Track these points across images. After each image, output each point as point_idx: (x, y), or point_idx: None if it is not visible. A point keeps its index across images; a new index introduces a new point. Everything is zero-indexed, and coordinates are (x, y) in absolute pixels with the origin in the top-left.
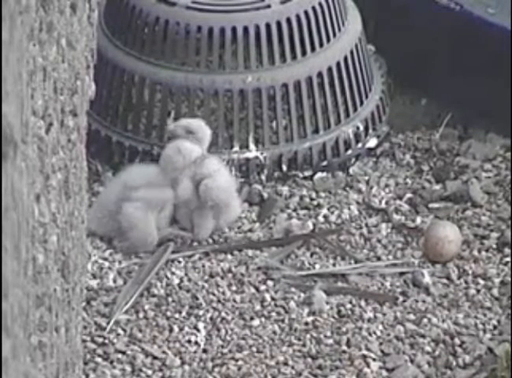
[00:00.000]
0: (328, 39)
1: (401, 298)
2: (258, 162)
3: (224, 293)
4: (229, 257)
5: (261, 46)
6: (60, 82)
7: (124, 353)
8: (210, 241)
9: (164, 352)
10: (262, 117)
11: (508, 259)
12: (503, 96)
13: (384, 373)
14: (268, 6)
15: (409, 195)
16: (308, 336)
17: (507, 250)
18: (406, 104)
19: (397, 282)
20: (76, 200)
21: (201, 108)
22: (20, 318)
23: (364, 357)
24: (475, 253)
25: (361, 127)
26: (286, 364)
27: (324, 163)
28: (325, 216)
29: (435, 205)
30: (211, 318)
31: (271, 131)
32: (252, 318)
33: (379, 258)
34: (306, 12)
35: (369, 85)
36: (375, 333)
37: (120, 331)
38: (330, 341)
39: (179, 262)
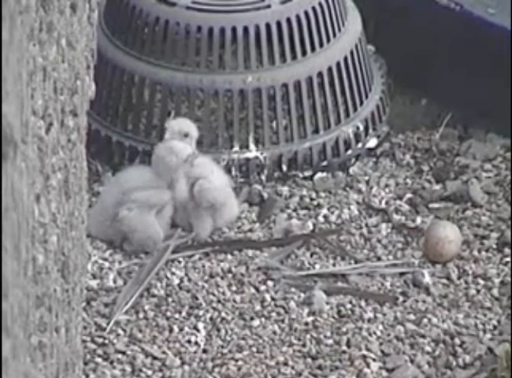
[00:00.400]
0: (328, 39)
1: (401, 298)
2: (258, 162)
3: (224, 293)
4: (229, 257)
5: (261, 46)
6: (60, 82)
7: (124, 353)
8: (210, 241)
9: (164, 352)
10: (262, 117)
11: (508, 259)
12: (503, 96)
13: (384, 373)
14: (269, 6)
15: (409, 195)
16: (308, 336)
17: (507, 250)
18: (406, 104)
19: (397, 282)
20: (76, 200)
21: (201, 108)
22: (20, 318)
23: (364, 357)
24: (475, 253)
25: (361, 127)
26: (286, 364)
27: (324, 163)
28: (325, 217)
29: (436, 205)
30: (211, 318)
31: (271, 131)
32: (252, 318)
33: (379, 258)
34: (306, 13)
35: (368, 85)
36: (375, 333)
37: (120, 332)
38: (330, 341)
39: (180, 262)
